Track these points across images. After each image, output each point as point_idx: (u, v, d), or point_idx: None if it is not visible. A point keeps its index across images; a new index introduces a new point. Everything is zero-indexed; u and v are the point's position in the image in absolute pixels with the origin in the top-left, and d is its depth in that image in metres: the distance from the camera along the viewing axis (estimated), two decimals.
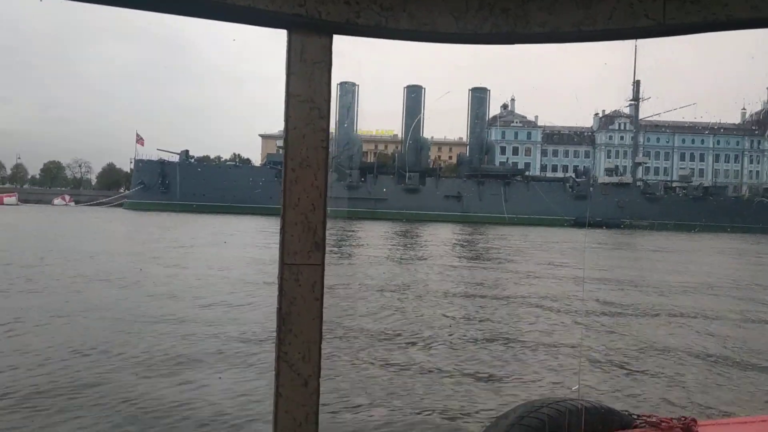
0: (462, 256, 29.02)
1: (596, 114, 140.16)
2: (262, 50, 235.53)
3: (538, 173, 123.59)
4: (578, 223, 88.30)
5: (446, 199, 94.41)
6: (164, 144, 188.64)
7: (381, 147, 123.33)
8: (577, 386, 6.60)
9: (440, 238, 43.91)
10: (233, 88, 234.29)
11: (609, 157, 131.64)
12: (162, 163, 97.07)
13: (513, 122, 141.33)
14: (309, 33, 1.66)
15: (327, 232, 1.68)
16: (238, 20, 1.68)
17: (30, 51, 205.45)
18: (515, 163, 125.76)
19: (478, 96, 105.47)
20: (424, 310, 12.29)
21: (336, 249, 27.22)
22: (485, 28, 1.72)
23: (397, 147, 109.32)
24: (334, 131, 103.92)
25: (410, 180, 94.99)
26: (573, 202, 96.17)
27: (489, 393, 6.82)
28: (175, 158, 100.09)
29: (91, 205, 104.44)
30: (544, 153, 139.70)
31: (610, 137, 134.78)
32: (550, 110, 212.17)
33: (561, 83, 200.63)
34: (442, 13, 1.71)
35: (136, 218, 64.25)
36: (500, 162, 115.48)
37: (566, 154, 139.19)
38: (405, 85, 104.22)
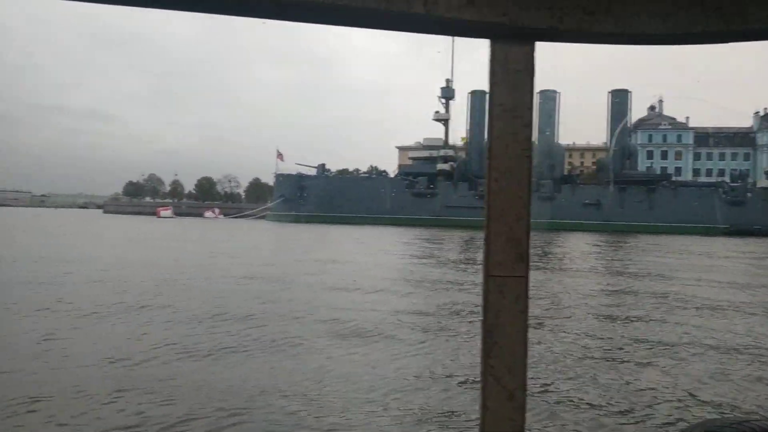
0: (608, 267, 27.37)
1: (756, 112, 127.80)
2: (403, 63, 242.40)
3: (690, 178, 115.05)
4: (733, 232, 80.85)
5: (584, 207, 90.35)
6: (308, 158, 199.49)
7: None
8: None
9: (578, 248, 42.12)
10: (376, 102, 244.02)
11: None
12: (300, 177, 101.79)
13: (661, 124, 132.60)
14: (511, 41, 1.66)
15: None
16: (442, 32, 1.72)
17: (191, 76, 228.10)
18: (664, 168, 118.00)
19: (619, 98, 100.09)
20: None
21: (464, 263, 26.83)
22: (697, 28, 1.64)
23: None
24: (467, 140, 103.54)
25: (544, 188, 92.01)
26: (727, 208, 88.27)
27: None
28: (313, 172, 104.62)
29: (237, 217, 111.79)
30: (696, 156, 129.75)
31: None
32: (702, 110, 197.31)
33: (715, 80, 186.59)
34: (649, 14, 1.65)
35: (279, 229, 68.08)
36: (647, 167, 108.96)
37: (722, 156, 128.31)
38: (537, 90, 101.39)
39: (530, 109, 1.64)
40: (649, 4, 1.63)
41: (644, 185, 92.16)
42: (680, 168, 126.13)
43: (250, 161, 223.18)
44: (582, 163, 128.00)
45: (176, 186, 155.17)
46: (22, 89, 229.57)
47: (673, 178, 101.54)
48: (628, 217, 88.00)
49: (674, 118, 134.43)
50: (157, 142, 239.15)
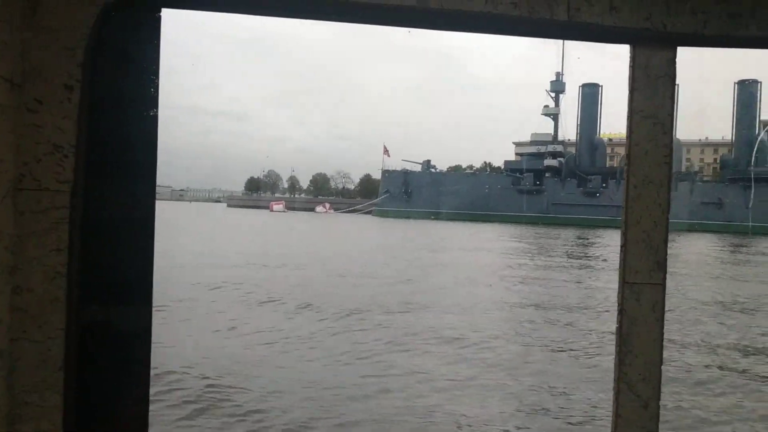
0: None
1: None
2: (526, 58, 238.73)
3: None
4: None
5: (704, 206, 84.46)
6: (426, 154, 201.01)
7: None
8: None
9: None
10: (497, 98, 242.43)
11: None
12: (405, 173, 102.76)
13: None
14: (653, 47, 1.65)
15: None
16: (584, 38, 1.74)
17: (319, 77, 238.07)
18: None
19: (746, 89, 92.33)
20: None
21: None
22: None
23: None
24: (576, 136, 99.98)
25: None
26: None
27: None
28: (418, 168, 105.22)
29: (346, 212, 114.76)
30: None
31: None
32: None
33: None
34: None
35: (380, 225, 69.34)
36: None
37: None
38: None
39: (671, 115, 1.67)
40: None
41: None
42: None
43: (369, 157, 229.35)
44: (701, 159, 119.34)
45: (293, 182, 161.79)
46: (161, 92, 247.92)
47: None
48: (755, 218, 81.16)
49: None
50: (286, 140, 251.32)
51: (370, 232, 53.77)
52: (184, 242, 26.94)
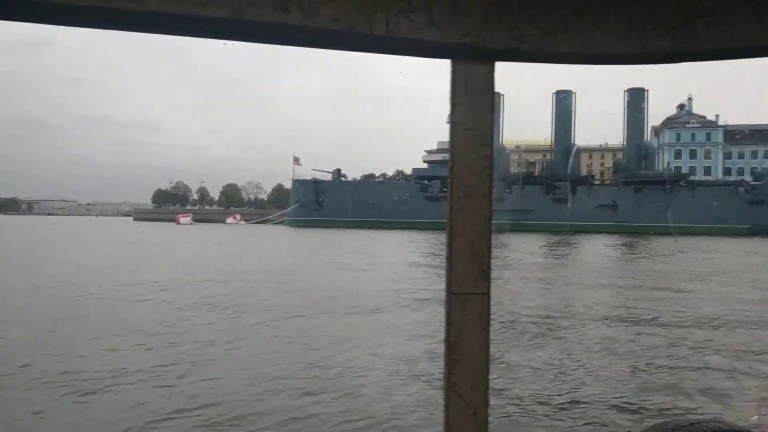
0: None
1: None
2: (436, 65, 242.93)
3: (720, 177, 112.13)
4: (754, 232, 78.49)
5: (599, 209, 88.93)
6: (338, 164, 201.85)
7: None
8: (757, 417, 6.10)
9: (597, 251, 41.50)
10: (411, 107, 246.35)
11: None
12: (316, 182, 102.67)
13: (689, 123, 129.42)
14: (472, 61, 1.66)
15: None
16: (404, 53, 1.70)
17: (235, 87, 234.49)
18: (693, 168, 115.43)
19: (635, 97, 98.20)
20: None
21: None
22: (649, 47, 1.67)
23: (545, 155, 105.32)
24: None
25: (560, 189, 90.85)
26: (748, 208, 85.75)
27: None
28: (329, 177, 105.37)
29: (257, 222, 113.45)
30: (727, 155, 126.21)
31: None
32: (733, 108, 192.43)
33: (746, 73, 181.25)
34: (604, 35, 1.67)
35: (290, 234, 69.07)
36: (675, 167, 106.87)
37: (754, 155, 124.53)
38: (554, 91, 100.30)
39: (491, 128, 1.69)
40: (604, 25, 1.69)
41: (660, 185, 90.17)
42: (710, 167, 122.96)
43: (283, 167, 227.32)
44: (602, 164, 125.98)
45: (203, 193, 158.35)
46: (71, 102, 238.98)
47: (692, 178, 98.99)
48: (645, 218, 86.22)
49: (704, 116, 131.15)
50: (200, 150, 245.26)
51: (266, 242, 53.15)
52: None
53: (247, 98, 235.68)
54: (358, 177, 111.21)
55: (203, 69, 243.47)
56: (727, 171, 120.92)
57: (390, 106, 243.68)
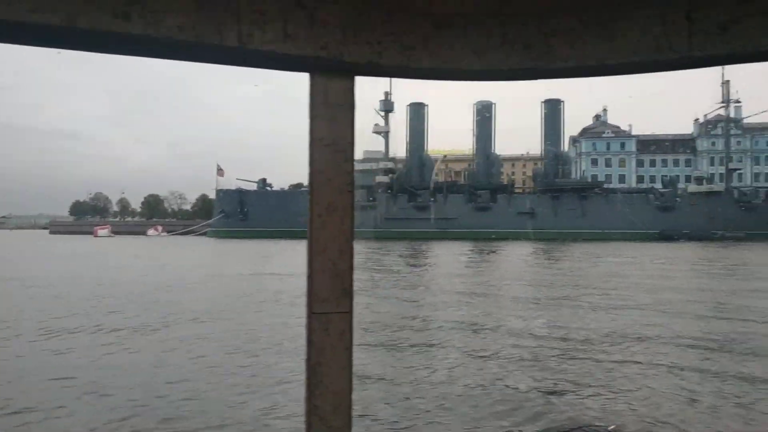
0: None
1: (696, 119, 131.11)
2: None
3: (634, 184, 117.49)
4: (663, 237, 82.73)
5: (519, 216, 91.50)
6: (264, 173, 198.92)
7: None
8: (614, 426, 6.36)
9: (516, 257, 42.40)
10: None
11: (712, 164, 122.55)
12: (240, 192, 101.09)
13: (604, 133, 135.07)
14: (331, 75, 1.66)
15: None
16: (260, 65, 1.67)
17: (163, 96, 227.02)
18: (608, 176, 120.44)
19: (552, 108, 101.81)
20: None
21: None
22: (508, 64, 1.70)
23: (468, 165, 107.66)
24: (405, 153, 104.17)
25: (481, 198, 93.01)
26: (657, 214, 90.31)
27: None
28: (253, 187, 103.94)
29: (180, 234, 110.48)
30: (639, 163, 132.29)
31: (713, 143, 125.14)
32: (645, 118, 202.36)
33: (655, 88, 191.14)
34: (464, 51, 1.69)
35: (217, 246, 67.28)
36: (591, 175, 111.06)
37: (665, 163, 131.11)
38: (474, 102, 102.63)
39: (351, 143, 1.66)
40: (464, 41, 1.68)
41: (576, 193, 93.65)
42: (624, 175, 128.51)
43: (208, 176, 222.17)
44: (524, 173, 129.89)
45: (123, 204, 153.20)
46: None
47: (606, 185, 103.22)
48: (561, 225, 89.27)
49: (618, 127, 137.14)
50: (125, 160, 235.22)
51: (175, 255, 51.69)
52: None
53: (174, 107, 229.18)
54: (285, 187, 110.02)
55: (125, 77, 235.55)
56: (639, 179, 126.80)
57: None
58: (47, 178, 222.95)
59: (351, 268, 1.68)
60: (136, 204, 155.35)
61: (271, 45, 1.55)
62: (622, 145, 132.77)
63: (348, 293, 1.66)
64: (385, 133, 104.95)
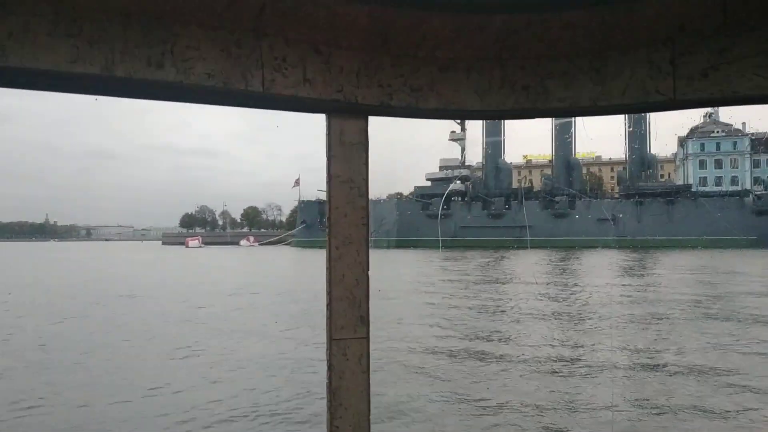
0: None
1: None
2: None
3: (749, 186, 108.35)
4: (759, 243, 75.39)
5: (599, 223, 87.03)
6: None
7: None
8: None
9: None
10: (408, 126, 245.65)
11: None
12: (320, 203, 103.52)
13: (713, 132, 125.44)
14: (347, 117, 1.79)
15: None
16: (282, 108, 1.85)
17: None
18: (719, 178, 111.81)
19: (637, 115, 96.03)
20: None
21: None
22: (508, 104, 1.85)
23: (541, 171, 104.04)
24: (482, 161, 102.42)
25: (558, 204, 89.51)
26: (754, 218, 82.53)
27: None
28: None
29: (267, 243, 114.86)
30: (755, 164, 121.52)
31: None
32: (761, 114, 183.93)
33: None
34: (468, 92, 1.83)
35: (292, 254, 68.87)
36: (700, 177, 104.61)
37: None
38: None
39: (365, 179, 1.76)
40: (467, 83, 1.81)
41: (663, 198, 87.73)
42: (736, 177, 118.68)
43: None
44: (613, 177, 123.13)
45: (225, 216, 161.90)
46: (135, 132, 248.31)
47: (708, 188, 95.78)
48: (646, 232, 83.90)
49: (730, 125, 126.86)
50: (256, 175, 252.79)
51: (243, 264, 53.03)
52: None
53: (295, 123, 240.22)
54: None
55: None
56: (756, 180, 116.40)
57: (400, 126, 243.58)
58: (185, 195, 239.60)
59: (367, 296, 1.73)
60: (236, 215, 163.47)
61: (291, 89, 1.62)
62: (734, 145, 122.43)
63: (365, 320, 1.71)
64: (461, 141, 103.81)
